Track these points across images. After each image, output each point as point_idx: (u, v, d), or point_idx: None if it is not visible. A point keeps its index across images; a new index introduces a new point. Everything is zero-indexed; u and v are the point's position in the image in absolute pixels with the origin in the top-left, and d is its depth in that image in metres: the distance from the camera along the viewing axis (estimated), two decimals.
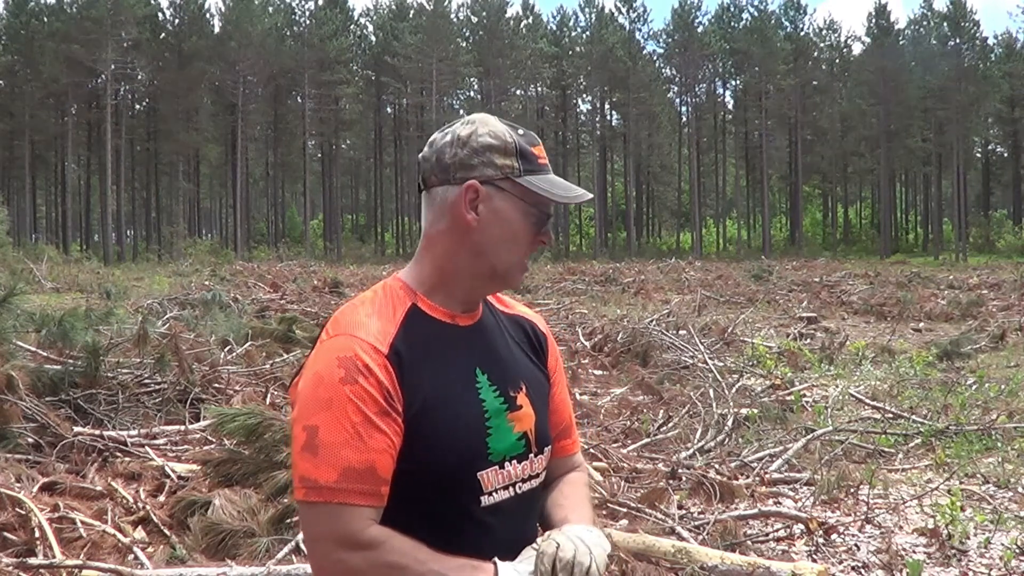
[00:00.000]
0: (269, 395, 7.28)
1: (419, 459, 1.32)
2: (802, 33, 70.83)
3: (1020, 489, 5.85)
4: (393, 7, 69.35)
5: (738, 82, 72.08)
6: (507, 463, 1.40)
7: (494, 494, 1.38)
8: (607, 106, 72.21)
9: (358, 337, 1.33)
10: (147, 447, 5.71)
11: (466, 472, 1.36)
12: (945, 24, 64.17)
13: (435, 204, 1.41)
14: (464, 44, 67.16)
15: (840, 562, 4.63)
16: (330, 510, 1.27)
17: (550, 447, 1.52)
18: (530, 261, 1.50)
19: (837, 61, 73.14)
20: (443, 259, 1.41)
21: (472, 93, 71.59)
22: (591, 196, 1.45)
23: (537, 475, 1.47)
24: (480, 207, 1.38)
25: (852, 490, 5.73)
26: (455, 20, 67.58)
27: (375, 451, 1.28)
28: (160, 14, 62.32)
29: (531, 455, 1.45)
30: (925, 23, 67.64)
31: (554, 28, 72.70)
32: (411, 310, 1.39)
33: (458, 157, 1.38)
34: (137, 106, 66.05)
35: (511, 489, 1.41)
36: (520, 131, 1.43)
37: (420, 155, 1.45)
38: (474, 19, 69.05)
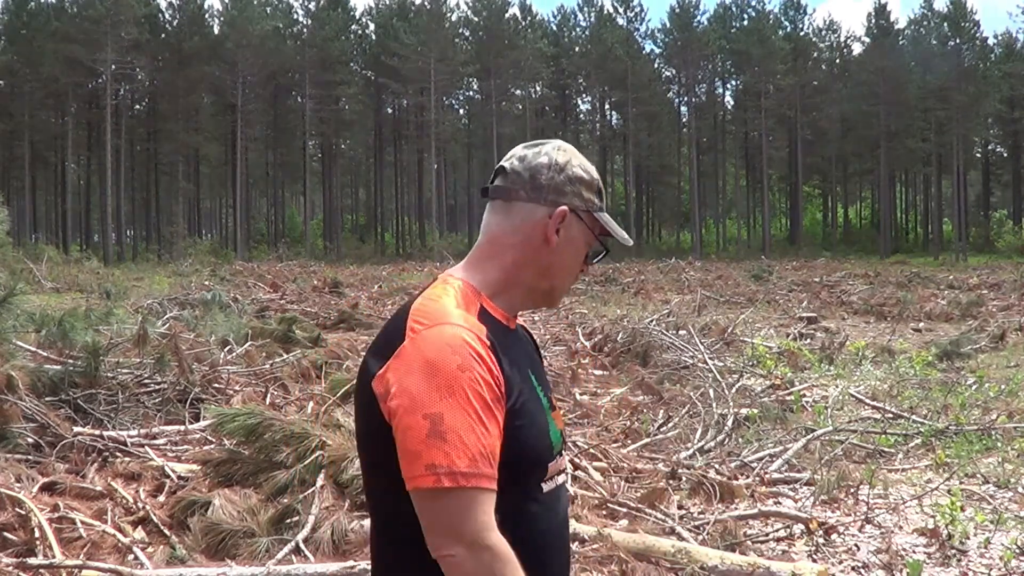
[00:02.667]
0: (269, 395, 7.28)
1: (518, 444, 1.37)
2: (801, 33, 70.81)
3: (1020, 489, 5.85)
4: (393, 6, 69.33)
5: (738, 82, 72.05)
6: (557, 456, 1.51)
7: (550, 481, 1.48)
8: (607, 106, 72.20)
9: (463, 326, 1.36)
10: (147, 447, 5.71)
11: (546, 460, 1.45)
12: (945, 24, 64.15)
13: (516, 217, 1.48)
14: (463, 44, 67.14)
15: (840, 562, 4.63)
16: (465, 495, 1.28)
17: None
18: None
19: (837, 61, 73.12)
20: (512, 269, 1.49)
21: (472, 93, 71.59)
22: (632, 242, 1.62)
23: (565, 470, 1.58)
24: (560, 231, 1.48)
25: (852, 490, 5.73)
26: (454, 20, 67.59)
27: (494, 436, 1.32)
28: (160, 14, 62.33)
29: (564, 451, 1.56)
30: (925, 23, 67.60)
31: (554, 28, 72.70)
32: (481, 309, 1.44)
33: (555, 181, 1.48)
34: (137, 106, 66.00)
35: (555, 480, 1.50)
36: (595, 169, 1.55)
37: (506, 164, 1.51)
38: (474, 19, 69.03)
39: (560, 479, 1.52)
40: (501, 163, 1.53)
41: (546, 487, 1.46)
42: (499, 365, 1.36)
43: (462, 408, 1.29)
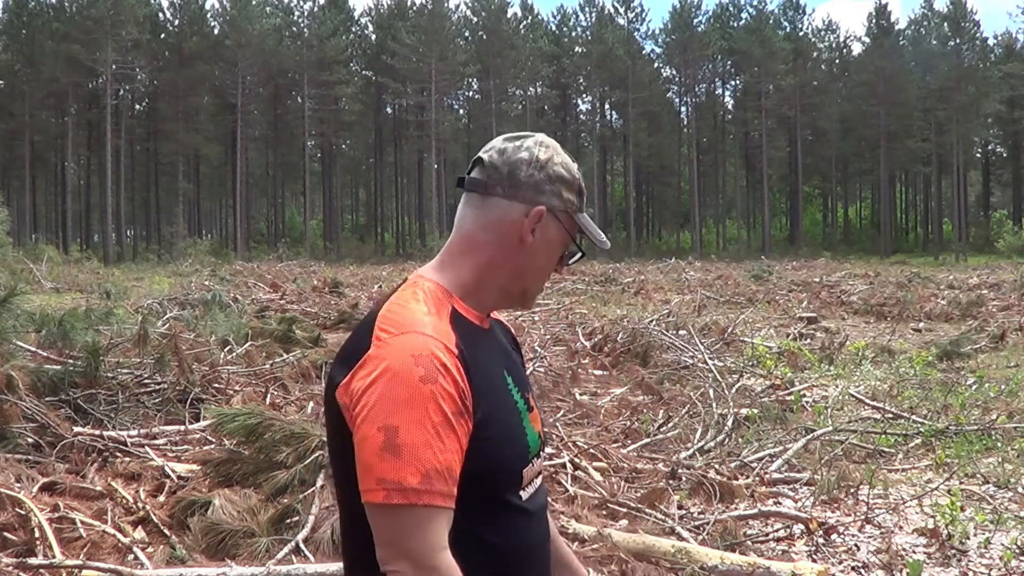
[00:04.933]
0: (269, 395, 7.28)
1: (485, 458, 1.32)
2: (801, 33, 70.87)
3: (1020, 489, 5.85)
4: (393, 6, 69.34)
5: (738, 82, 72.11)
6: (533, 461, 1.46)
7: (528, 488, 1.44)
8: (607, 106, 72.22)
9: (430, 335, 1.30)
10: (147, 447, 5.70)
11: (519, 469, 1.41)
12: (945, 24, 64.20)
13: (491, 214, 1.42)
14: (463, 44, 67.15)
15: (840, 562, 4.63)
16: (414, 513, 1.24)
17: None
18: None
19: (837, 61, 73.15)
20: (486, 269, 1.42)
21: (472, 93, 71.61)
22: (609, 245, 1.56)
23: (542, 472, 1.53)
24: (536, 232, 1.42)
25: (852, 490, 5.72)
26: (454, 20, 67.57)
27: (452, 451, 1.27)
28: (160, 14, 62.36)
29: (541, 453, 1.52)
30: (925, 23, 67.66)
31: (554, 28, 72.72)
32: (452, 312, 1.39)
33: (534, 179, 1.41)
34: (137, 106, 66.04)
35: (534, 484, 1.46)
36: (577, 167, 1.48)
37: (485, 156, 1.44)
38: (473, 19, 69.03)
39: (537, 482, 1.48)
40: (480, 154, 1.45)
41: (525, 494, 1.42)
42: (466, 376, 1.30)
43: (419, 422, 1.24)
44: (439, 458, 1.25)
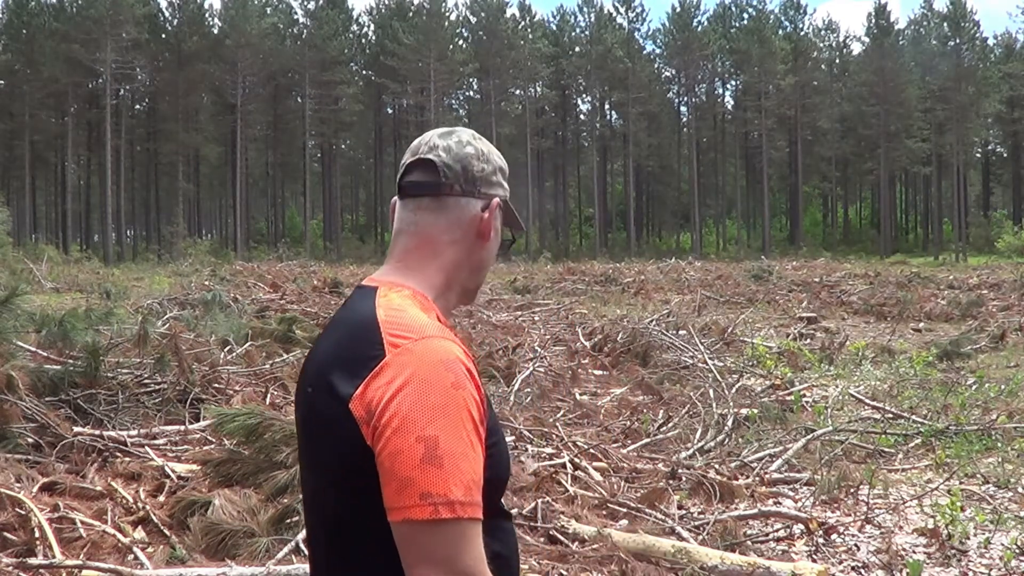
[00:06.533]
0: (269, 395, 7.28)
1: (494, 464, 1.28)
2: (801, 33, 70.86)
3: (1020, 489, 5.85)
4: (392, 6, 69.34)
5: (738, 82, 72.09)
6: None
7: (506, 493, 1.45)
8: (607, 106, 72.20)
9: (451, 340, 1.26)
10: (147, 447, 5.70)
11: (508, 475, 1.40)
12: (945, 24, 64.19)
13: (451, 213, 1.38)
14: (462, 44, 67.15)
15: (840, 562, 4.63)
16: (460, 527, 1.17)
17: None
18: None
19: (837, 61, 73.15)
20: (451, 269, 1.39)
21: (471, 93, 71.58)
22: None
23: None
24: (494, 224, 1.41)
25: (852, 490, 5.73)
26: (453, 20, 67.61)
27: (480, 460, 1.22)
28: (160, 14, 62.33)
29: None
30: (925, 23, 67.71)
31: (554, 28, 72.70)
32: (436, 317, 1.34)
33: (484, 172, 1.40)
34: (137, 106, 66.05)
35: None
36: None
37: (432, 157, 1.39)
38: (472, 19, 69.03)
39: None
40: (421, 156, 1.39)
41: (504, 501, 1.41)
42: (477, 381, 1.27)
43: (455, 430, 1.18)
44: (475, 468, 1.20)
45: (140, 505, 4.69)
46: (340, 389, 1.23)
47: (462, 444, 1.18)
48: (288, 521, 4.35)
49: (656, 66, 71.88)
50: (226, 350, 8.86)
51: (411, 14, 66.39)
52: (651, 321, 13.27)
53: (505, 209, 1.44)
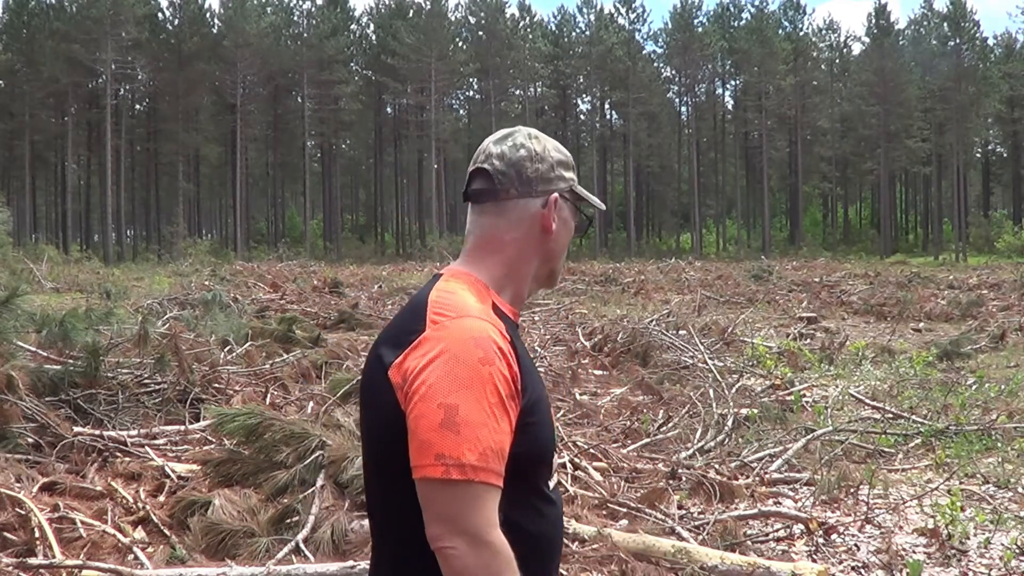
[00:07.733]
0: (269, 395, 7.28)
1: (531, 440, 1.37)
2: (801, 33, 70.87)
3: (1020, 489, 5.85)
4: (392, 5, 69.32)
5: (738, 82, 72.08)
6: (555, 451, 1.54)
7: (554, 476, 1.51)
8: (607, 106, 72.19)
9: (486, 320, 1.38)
10: (147, 447, 5.70)
11: (551, 457, 1.49)
12: (945, 24, 64.16)
13: (511, 214, 1.50)
14: (462, 44, 67.13)
15: (840, 562, 4.63)
16: (471, 489, 1.27)
17: None
18: None
19: (837, 61, 73.14)
20: (516, 262, 1.51)
21: (471, 93, 71.56)
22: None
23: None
24: (555, 217, 1.52)
25: (852, 490, 5.72)
26: (453, 20, 67.58)
27: (505, 433, 1.32)
28: (160, 14, 62.32)
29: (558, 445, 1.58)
30: (925, 23, 67.68)
31: (554, 28, 72.71)
32: (492, 304, 1.46)
33: (539, 172, 1.51)
34: (137, 106, 66.01)
35: (555, 477, 1.52)
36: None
37: (487, 167, 1.50)
38: (472, 19, 69.01)
39: (555, 476, 1.53)
40: (478, 165, 1.52)
41: (551, 483, 1.48)
42: (517, 361, 1.37)
43: (478, 401, 1.29)
44: (494, 438, 1.29)
45: (140, 505, 4.69)
46: (385, 359, 1.38)
47: (482, 414, 1.29)
48: (288, 521, 4.35)
49: (656, 66, 71.88)
50: (226, 350, 8.87)
51: (411, 14, 66.36)
52: (651, 321, 13.27)
53: (572, 196, 1.55)
